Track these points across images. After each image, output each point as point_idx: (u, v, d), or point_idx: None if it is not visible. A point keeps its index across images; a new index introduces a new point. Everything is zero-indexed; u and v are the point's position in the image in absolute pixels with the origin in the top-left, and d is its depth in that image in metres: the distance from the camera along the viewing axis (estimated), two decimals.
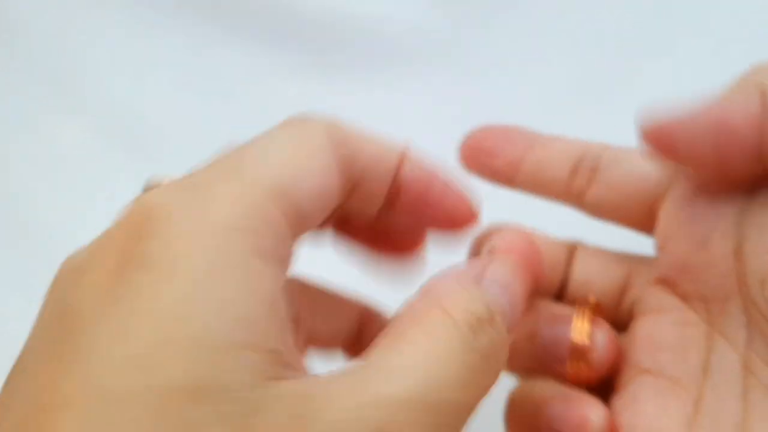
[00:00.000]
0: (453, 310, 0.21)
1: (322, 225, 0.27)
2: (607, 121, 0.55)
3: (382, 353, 0.21)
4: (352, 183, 0.25)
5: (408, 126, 0.55)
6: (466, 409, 0.21)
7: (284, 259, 0.22)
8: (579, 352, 0.26)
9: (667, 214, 0.26)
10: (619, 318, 0.29)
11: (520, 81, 0.52)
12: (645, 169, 0.27)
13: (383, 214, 0.27)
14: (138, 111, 0.53)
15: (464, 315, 0.21)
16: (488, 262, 0.24)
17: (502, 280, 0.23)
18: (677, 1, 0.53)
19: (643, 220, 0.28)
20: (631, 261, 0.29)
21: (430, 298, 0.22)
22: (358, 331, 0.31)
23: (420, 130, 0.54)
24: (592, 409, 0.25)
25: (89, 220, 0.51)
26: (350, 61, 0.53)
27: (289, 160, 0.23)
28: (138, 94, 0.53)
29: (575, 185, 0.28)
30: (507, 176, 0.29)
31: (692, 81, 0.53)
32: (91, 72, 0.53)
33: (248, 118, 0.55)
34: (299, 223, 0.23)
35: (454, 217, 0.27)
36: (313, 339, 0.29)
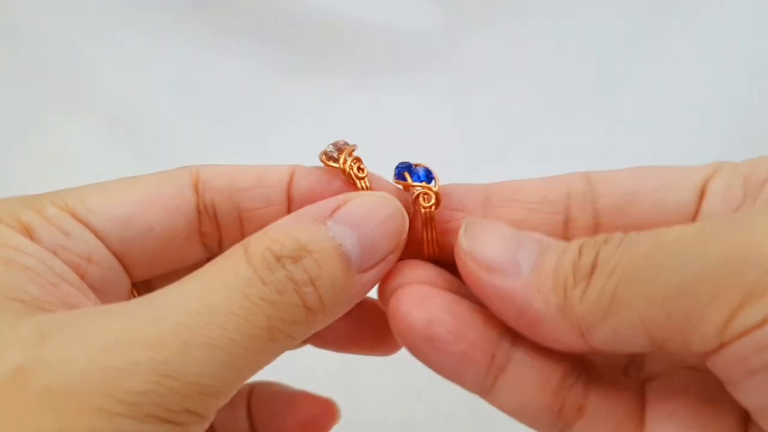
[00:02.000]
0: (253, 245, 0.21)
1: None
2: (605, 122, 0.55)
3: (171, 286, 0.21)
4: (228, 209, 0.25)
5: (407, 126, 0.56)
6: (252, 340, 0.20)
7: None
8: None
9: None
10: None
11: (519, 83, 0.53)
12: None
13: None
14: (140, 110, 0.53)
15: (261, 250, 0.21)
16: (349, 198, 0.23)
17: (354, 219, 0.23)
18: (675, 2, 0.53)
19: None
20: None
21: (249, 237, 0.22)
22: None
23: (419, 130, 0.55)
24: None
25: None
26: (351, 63, 0.54)
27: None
28: (140, 93, 0.53)
29: None
30: None
31: (690, 82, 0.54)
32: (94, 72, 0.54)
33: (250, 118, 0.55)
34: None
35: None
36: None
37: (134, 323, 0.19)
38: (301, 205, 0.24)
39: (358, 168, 0.25)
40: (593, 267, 0.21)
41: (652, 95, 0.51)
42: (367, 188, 0.25)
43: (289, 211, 0.25)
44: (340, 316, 0.23)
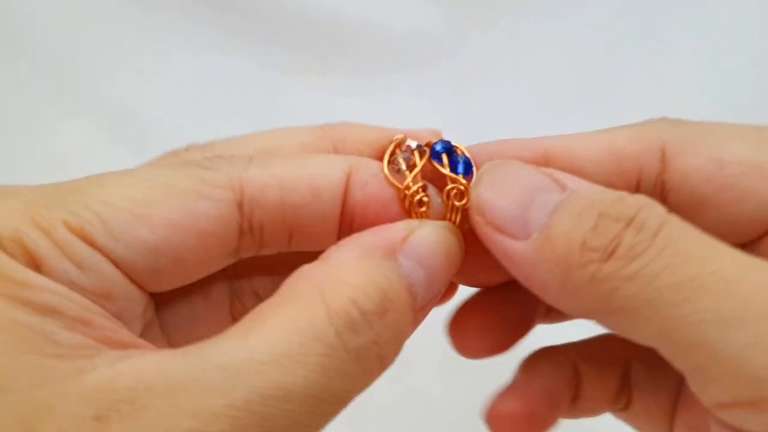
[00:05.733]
0: (333, 298, 0.18)
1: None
2: (606, 121, 0.55)
3: (237, 338, 0.18)
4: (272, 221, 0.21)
5: (407, 126, 0.56)
6: (319, 418, 0.18)
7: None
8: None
9: None
10: None
11: (519, 83, 0.53)
12: None
13: None
14: (140, 111, 0.53)
15: (344, 307, 0.18)
16: (416, 226, 0.20)
17: (423, 255, 0.20)
18: (675, 2, 0.53)
19: None
20: None
21: (317, 274, 0.19)
22: None
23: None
24: None
25: None
26: (351, 63, 0.54)
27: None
28: (140, 94, 0.54)
29: None
30: None
31: (690, 82, 0.54)
32: (94, 72, 0.54)
33: (252, 118, 0.55)
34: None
35: None
36: None
37: (207, 408, 0.16)
38: (355, 216, 0.21)
39: (419, 201, 0.22)
40: (609, 252, 0.18)
41: (653, 95, 0.51)
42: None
43: (343, 214, 0.21)
44: None
